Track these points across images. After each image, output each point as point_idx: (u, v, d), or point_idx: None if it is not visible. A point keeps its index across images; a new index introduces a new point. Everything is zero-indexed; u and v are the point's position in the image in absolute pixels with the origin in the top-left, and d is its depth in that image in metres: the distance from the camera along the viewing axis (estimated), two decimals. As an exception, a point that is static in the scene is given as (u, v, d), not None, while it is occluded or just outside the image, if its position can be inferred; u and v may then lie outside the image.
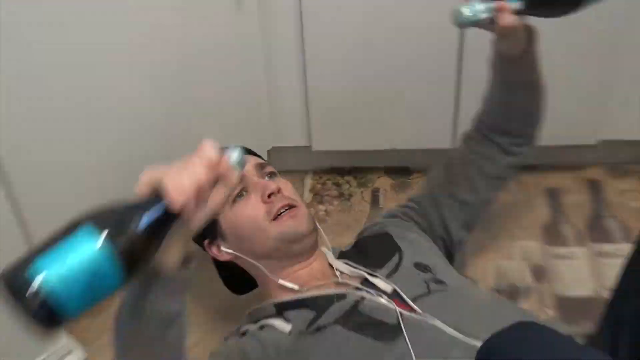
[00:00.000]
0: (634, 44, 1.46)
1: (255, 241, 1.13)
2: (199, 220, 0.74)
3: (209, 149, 0.73)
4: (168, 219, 0.70)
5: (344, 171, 1.79)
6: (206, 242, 1.20)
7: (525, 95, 1.21)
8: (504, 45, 1.12)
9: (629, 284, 0.98)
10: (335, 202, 1.69)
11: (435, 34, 1.45)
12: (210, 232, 1.17)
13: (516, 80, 1.18)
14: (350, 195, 1.71)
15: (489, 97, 1.24)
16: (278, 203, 1.11)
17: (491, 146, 1.25)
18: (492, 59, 1.18)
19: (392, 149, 1.66)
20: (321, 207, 1.69)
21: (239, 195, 1.13)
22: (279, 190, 1.13)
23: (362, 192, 1.72)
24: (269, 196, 1.12)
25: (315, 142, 1.68)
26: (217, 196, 0.74)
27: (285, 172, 1.68)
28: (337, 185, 1.76)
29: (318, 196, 1.72)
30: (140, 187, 0.71)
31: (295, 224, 1.11)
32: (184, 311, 0.82)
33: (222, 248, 1.17)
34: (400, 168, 1.76)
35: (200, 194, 0.72)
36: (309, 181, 1.78)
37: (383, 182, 1.75)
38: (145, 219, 0.67)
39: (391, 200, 1.65)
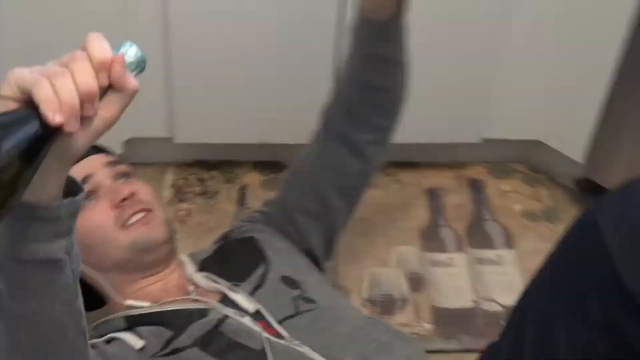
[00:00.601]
0: (517, 43, 1.43)
1: (102, 251, 1.00)
2: (83, 140, 0.60)
3: (98, 46, 0.58)
4: (43, 138, 0.55)
5: (209, 165, 1.65)
6: None
7: (386, 75, 1.09)
8: (369, 4, 1.03)
9: (536, 284, 0.92)
10: (199, 200, 1.55)
11: (308, 27, 1.37)
12: None
13: (378, 54, 1.07)
14: (216, 192, 1.57)
15: (344, 77, 1.12)
16: (129, 209, 1.00)
17: (341, 148, 1.12)
18: (354, 24, 1.07)
19: (262, 143, 1.55)
20: (183, 205, 1.54)
21: (87, 198, 0.95)
22: (132, 194, 1.01)
23: (228, 188, 1.59)
24: (121, 201, 1.00)
25: (178, 134, 1.55)
26: (110, 109, 0.60)
27: (144, 166, 1.55)
28: (201, 180, 1.61)
29: (180, 193, 1.57)
30: (4, 94, 0.56)
31: (148, 231, 1.00)
32: (76, 262, 0.69)
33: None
34: (271, 163, 1.64)
35: (87, 107, 0.58)
36: (170, 176, 1.62)
37: (252, 178, 1.62)
38: (12, 139, 0.53)
39: (260, 199, 1.46)
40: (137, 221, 1.00)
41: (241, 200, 1.56)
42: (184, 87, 1.48)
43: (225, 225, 1.38)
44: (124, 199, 1.00)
